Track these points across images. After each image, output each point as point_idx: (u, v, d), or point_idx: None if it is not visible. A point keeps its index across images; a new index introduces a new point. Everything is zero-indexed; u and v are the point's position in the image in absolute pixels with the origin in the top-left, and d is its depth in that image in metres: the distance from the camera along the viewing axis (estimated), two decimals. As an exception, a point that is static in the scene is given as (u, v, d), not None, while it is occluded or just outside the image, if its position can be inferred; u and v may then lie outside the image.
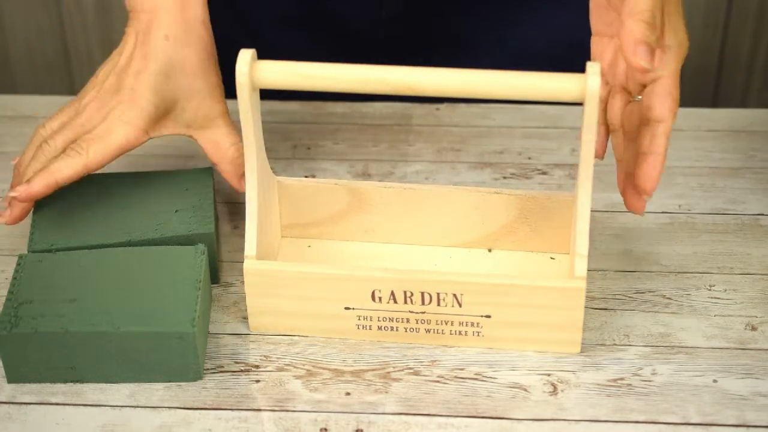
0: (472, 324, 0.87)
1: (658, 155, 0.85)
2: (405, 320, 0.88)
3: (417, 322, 0.88)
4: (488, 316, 0.87)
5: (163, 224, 0.92)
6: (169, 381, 0.86)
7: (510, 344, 0.88)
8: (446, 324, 0.87)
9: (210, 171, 0.98)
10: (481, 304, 0.86)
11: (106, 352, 0.84)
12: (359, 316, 0.88)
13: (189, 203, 0.94)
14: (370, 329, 0.88)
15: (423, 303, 0.86)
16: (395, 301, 0.87)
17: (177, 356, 0.84)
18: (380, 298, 0.87)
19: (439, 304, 0.86)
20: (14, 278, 0.88)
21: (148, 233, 0.91)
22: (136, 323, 0.84)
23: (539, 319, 0.86)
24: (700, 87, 1.94)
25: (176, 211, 0.93)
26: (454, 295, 0.86)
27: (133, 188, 0.96)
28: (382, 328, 0.88)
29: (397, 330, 0.88)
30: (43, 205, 0.94)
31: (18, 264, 0.89)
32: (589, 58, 0.89)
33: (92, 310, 0.85)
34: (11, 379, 0.86)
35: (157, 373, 0.85)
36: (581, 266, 0.84)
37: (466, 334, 0.88)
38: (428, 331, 0.88)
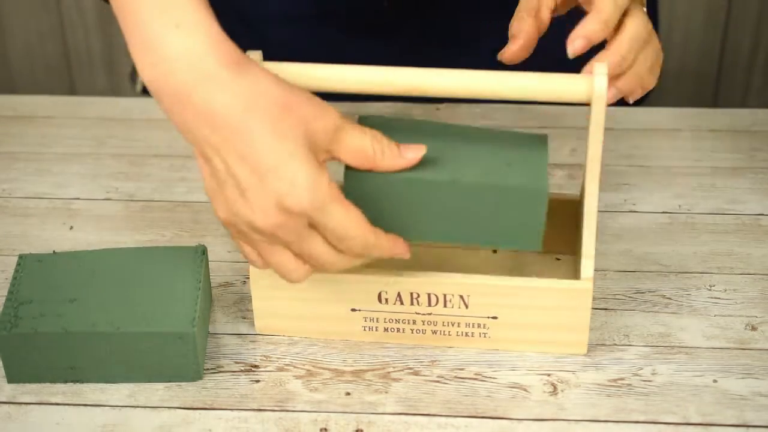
0: (479, 325, 0.87)
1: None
2: (411, 321, 0.88)
3: (423, 324, 0.88)
4: (495, 318, 0.87)
5: (493, 173, 0.82)
6: (169, 381, 0.86)
7: (516, 345, 0.88)
8: (453, 325, 0.87)
9: (545, 137, 0.86)
10: (487, 305, 0.86)
11: (106, 353, 0.84)
12: (365, 318, 0.88)
13: (521, 156, 0.84)
14: (376, 331, 0.88)
15: (429, 304, 0.86)
16: (402, 303, 0.87)
17: (177, 356, 0.84)
18: (387, 300, 0.87)
19: (445, 306, 0.86)
20: (14, 278, 0.88)
21: (475, 177, 0.82)
22: (136, 323, 0.84)
23: (545, 320, 0.86)
24: (700, 87, 1.94)
25: (509, 165, 0.83)
26: (461, 297, 0.86)
27: (464, 138, 0.86)
28: (389, 329, 0.88)
29: (403, 331, 0.88)
30: None
31: (18, 264, 0.89)
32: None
33: (92, 310, 0.85)
34: (11, 379, 0.86)
35: (157, 373, 0.85)
36: (588, 267, 0.84)
37: (472, 336, 0.88)
38: (434, 332, 0.88)
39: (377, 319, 0.88)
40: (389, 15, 1.13)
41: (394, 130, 0.83)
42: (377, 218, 0.80)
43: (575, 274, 0.87)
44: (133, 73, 1.24)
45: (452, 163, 0.82)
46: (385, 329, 0.88)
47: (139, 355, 0.84)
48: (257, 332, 0.90)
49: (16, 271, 0.88)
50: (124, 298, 0.86)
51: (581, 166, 1.06)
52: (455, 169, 0.82)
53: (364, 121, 0.86)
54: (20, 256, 0.89)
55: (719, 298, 0.92)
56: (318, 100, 0.79)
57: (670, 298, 0.92)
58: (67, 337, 0.84)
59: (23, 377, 0.86)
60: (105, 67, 1.97)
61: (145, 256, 0.89)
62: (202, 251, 0.89)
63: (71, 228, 1.00)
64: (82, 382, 0.86)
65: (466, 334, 0.88)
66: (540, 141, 0.85)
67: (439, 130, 0.86)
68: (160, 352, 0.84)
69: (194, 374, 0.86)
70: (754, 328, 0.90)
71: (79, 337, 0.84)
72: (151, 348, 0.84)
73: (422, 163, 0.81)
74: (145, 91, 1.25)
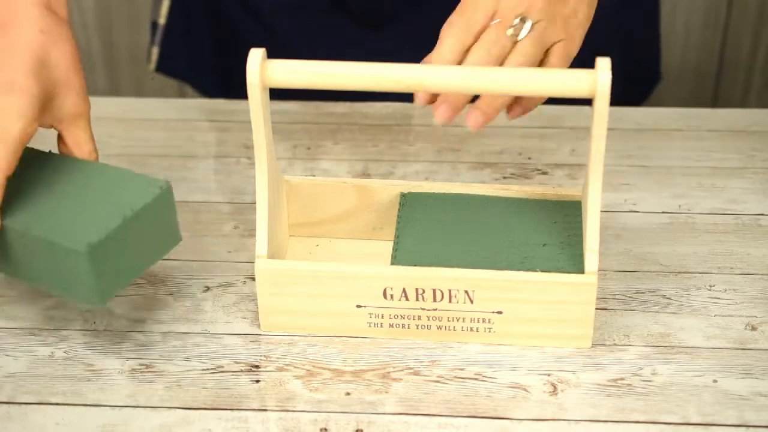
0: (484, 320, 0.87)
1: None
2: (416, 317, 0.88)
3: (429, 319, 0.88)
4: (500, 312, 0.87)
5: (530, 258, 0.88)
6: (76, 298, 0.85)
7: (521, 340, 0.88)
8: (458, 321, 0.87)
9: (579, 204, 0.92)
10: (492, 300, 0.86)
11: (20, 252, 0.85)
12: (371, 314, 0.88)
13: (557, 238, 0.89)
14: (381, 327, 0.89)
15: (435, 300, 0.87)
16: (407, 299, 0.87)
17: (79, 272, 0.83)
18: (392, 296, 0.87)
19: (450, 301, 0.86)
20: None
21: (513, 264, 0.88)
22: (44, 229, 0.83)
23: (550, 314, 0.86)
24: (700, 87, 1.94)
25: (544, 245, 0.89)
26: (466, 292, 0.86)
27: (499, 214, 0.92)
28: (394, 325, 0.88)
29: (408, 327, 0.88)
30: (410, 220, 0.92)
31: None
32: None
33: (24, 209, 0.85)
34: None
35: (62, 286, 0.85)
36: (592, 261, 0.85)
37: (477, 331, 0.88)
38: (440, 328, 0.88)
39: (382, 315, 0.88)
40: (392, 6, 1.13)
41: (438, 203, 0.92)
42: None
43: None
44: (149, 54, 1.25)
45: None
46: (391, 325, 0.88)
47: (53, 264, 0.84)
48: (262, 331, 0.90)
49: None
50: (56, 205, 0.86)
51: (581, 166, 1.06)
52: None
53: (405, 197, 0.93)
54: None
55: (719, 298, 0.92)
56: (84, 93, 0.92)
57: (670, 298, 0.92)
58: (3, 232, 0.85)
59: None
60: (105, 67, 1.97)
61: (101, 173, 0.88)
62: (163, 187, 0.86)
63: (71, 228, 1.00)
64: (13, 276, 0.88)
65: (471, 329, 0.88)
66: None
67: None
68: (63, 265, 0.83)
69: (97, 298, 0.84)
70: (754, 328, 0.90)
71: (6, 232, 0.85)
72: (54, 258, 0.84)
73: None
74: (158, 70, 1.26)
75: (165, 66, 1.26)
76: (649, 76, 1.29)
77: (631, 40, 1.21)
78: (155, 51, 1.25)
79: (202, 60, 1.26)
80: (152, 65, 1.26)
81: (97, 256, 0.82)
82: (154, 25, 1.25)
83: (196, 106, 1.14)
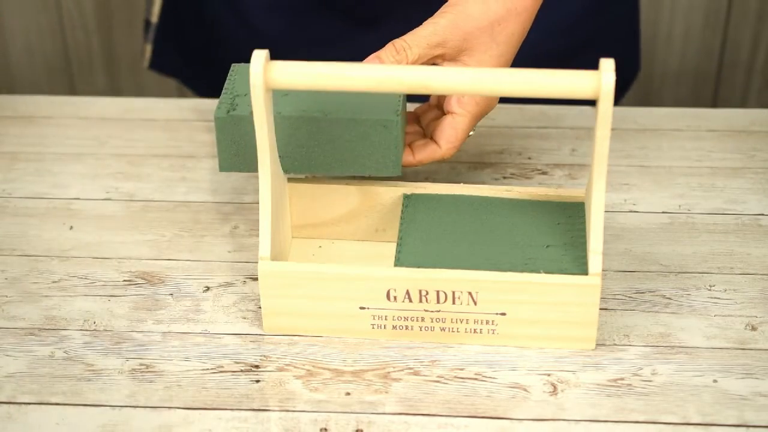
0: (487, 322, 0.87)
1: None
2: (420, 319, 0.88)
3: (432, 321, 0.88)
4: (503, 314, 0.87)
5: (534, 259, 0.88)
6: (369, 172, 0.92)
7: (524, 342, 0.88)
8: (461, 322, 0.87)
9: (582, 206, 0.92)
10: (496, 301, 0.86)
11: (313, 139, 0.89)
12: (374, 316, 0.88)
13: (561, 240, 0.90)
14: (384, 329, 0.88)
15: (438, 302, 0.87)
16: (410, 300, 0.87)
17: (378, 146, 0.90)
18: (395, 297, 0.87)
19: (454, 303, 0.86)
20: (229, 81, 0.94)
21: (517, 266, 0.87)
22: (344, 111, 0.89)
23: (554, 316, 0.86)
24: (700, 87, 1.94)
25: (547, 247, 0.90)
26: (470, 293, 0.86)
27: (502, 215, 0.92)
28: (397, 327, 0.88)
29: (411, 329, 0.88)
30: (413, 221, 0.93)
31: (232, 71, 0.95)
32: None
33: (302, 99, 0.90)
34: (224, 167, 0.91)
35: (359, 164, 0.90)
36: (596, 263, 0.85)
37: (481, 332, 0.88)
38: (443, 329, 0.88)
39: (386, 317, 0.88)
40: (377, 4, 1.13)
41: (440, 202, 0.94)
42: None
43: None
44: (142, 51, 1.26)
45: None
46: (394, 327, 0.88)
47: (342, 144, 0.89)
48: (264, 332, 0.90)
49: (230, 77, 0.94)
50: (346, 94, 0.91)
51: (581, 166, 1.06)
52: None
53: (408, 199, 0.94)
54: (233, 66, 0.96)
55: (719, 298, 0.92)
56: None
57: (670, 298, 0.92)
58: (279, 121, 0.88)
59: (234, 165, 0.91)
60: (105, 67, 1.97)
61: None
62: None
63: (71, 228, 1.00)
64: (287, 172, 0.91)
65: (475, 331, 0.88)
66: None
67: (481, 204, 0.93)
68: (363, 141, 0.89)
69: (393, 166, 0.91)
70: (754, 328, 0.90)
71: (290, 122, 0.88)
72: (355, 137, 0.89)
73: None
74: (152, 66, 1.27)
75: (157, 63, 1.27)
76: (628, 69, 1.28)
77: (610, 35, 1.21)
78: (148, 48, 1.26)
79: (191, 58, 1.26)
80: (146, 62, 1.27)
81: (395, 127, 0.89)
82: (147, 23, 1.25)
83: (196, 106, 1.14)
